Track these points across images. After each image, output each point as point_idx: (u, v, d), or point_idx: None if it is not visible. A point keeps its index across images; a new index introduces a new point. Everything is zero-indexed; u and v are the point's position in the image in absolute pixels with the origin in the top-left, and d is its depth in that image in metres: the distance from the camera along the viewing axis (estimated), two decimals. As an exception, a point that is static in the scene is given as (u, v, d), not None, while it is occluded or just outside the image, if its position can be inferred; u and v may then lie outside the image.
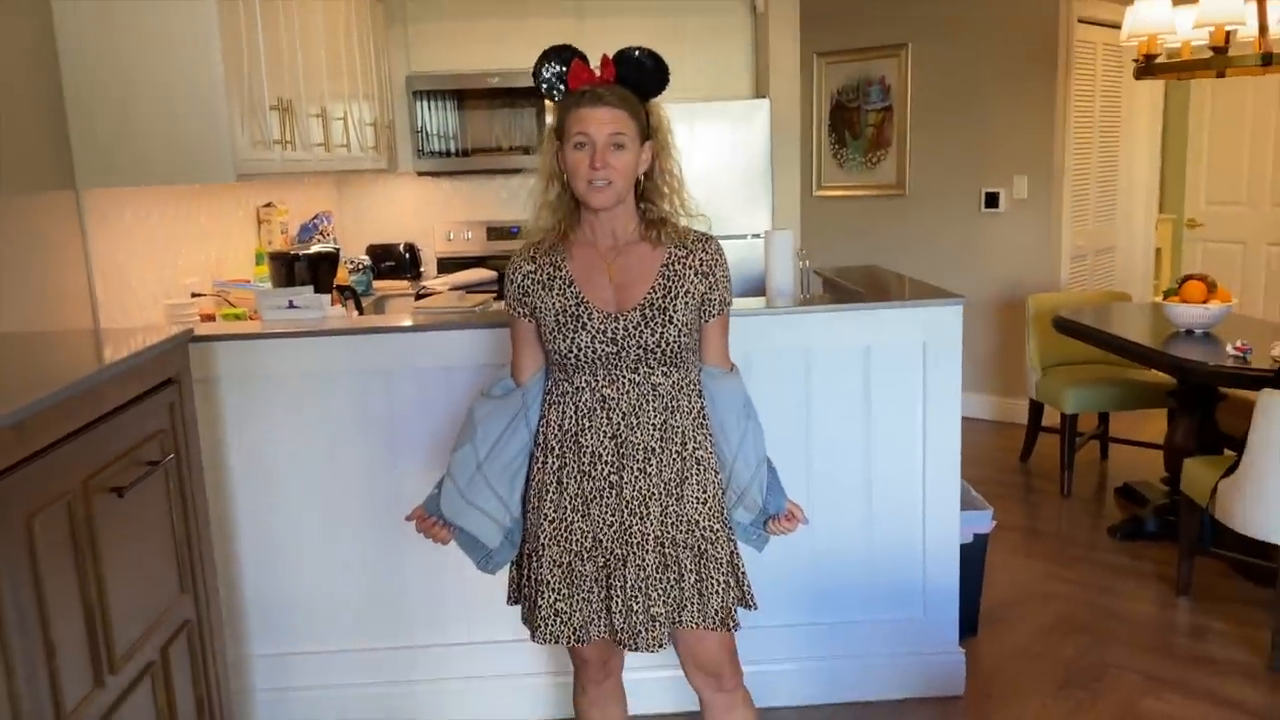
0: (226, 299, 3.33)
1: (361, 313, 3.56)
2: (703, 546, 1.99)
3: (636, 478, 1.96)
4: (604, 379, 1.95)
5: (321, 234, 4.43)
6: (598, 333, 1.93)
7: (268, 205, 4.10)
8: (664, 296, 1.95)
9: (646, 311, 1.94)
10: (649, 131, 1.95)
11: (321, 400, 2.79)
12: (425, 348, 2.80)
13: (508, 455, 2.05)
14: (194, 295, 3.27)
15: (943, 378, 2.82)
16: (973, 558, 3.17)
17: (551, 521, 2.00)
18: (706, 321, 2.01)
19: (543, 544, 2.01)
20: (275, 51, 3.17)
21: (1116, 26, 5.84)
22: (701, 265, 1.98)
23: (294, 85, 3.34)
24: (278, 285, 3.36)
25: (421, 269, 5.21)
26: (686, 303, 1.96)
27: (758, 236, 4.69)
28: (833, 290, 3.44)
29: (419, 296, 4.54)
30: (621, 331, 1.93)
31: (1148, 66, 3.80)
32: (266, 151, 3.01)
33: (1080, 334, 4.27)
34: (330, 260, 3.48)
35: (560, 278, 1.97)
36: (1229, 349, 3.49)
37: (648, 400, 1.96)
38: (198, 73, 2.64)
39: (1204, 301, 3.85)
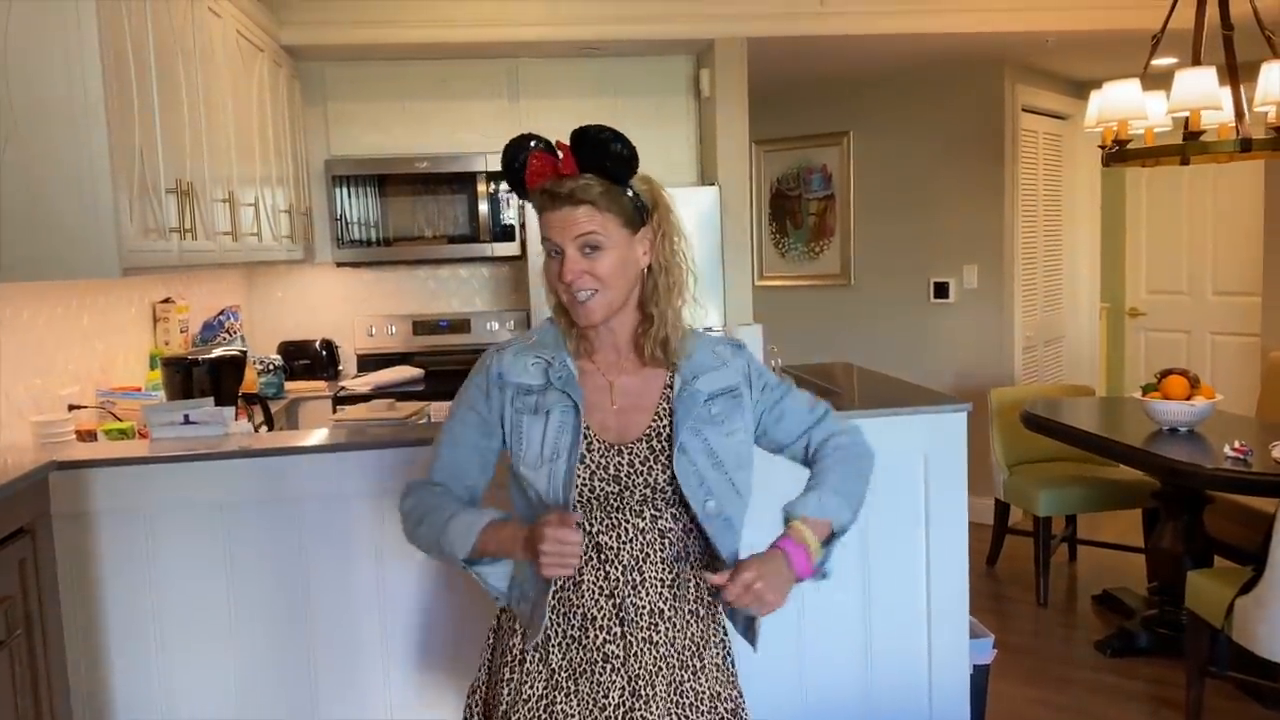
0: (111, 411, 2.85)
1: (272, 425, 3.10)
2: None
3: (643, 649, 1.57)
4: (600, 523, 1.57)
5: (227, 332, 3.96)
6: (597, 468, 1.56)
7: (165, 301, 3.64)
8: (671, 424, 1.59)
9: (654, 443, 1.57)
10: (643, 215, 1.59)
11: (222, 535, 2.34)
12: (346, 470, 2.38)
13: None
14: (72, 408, 2.79)
15: (947, 493, 2.50)
16: (974, 692, 2.80)
17: (528, 701, 1.58)
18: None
19: None
20: (175, 128, 2.77)
21: (1057, 116, 5.83)
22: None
23: (197, 166, 2.93)
24: (173, 396, 2.89)
25: (340, 367, 4.76)
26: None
27: (710, 330, 4.38)
28: (810, 393, 3.10)
29: (337, 399, 4.09)
30: (626, 467, 1.56)
31: (1119, 152, 3.62)
32: (161, 241, 2.58)
33: (1055, 432, 4.00)
34: (235, 364, 3.03)
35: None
36: (1227, 450, 3.23)
37: (654, 550, 1.58)
38: (76, 147, 2.20)
39: (1187, 398, 3.63)
